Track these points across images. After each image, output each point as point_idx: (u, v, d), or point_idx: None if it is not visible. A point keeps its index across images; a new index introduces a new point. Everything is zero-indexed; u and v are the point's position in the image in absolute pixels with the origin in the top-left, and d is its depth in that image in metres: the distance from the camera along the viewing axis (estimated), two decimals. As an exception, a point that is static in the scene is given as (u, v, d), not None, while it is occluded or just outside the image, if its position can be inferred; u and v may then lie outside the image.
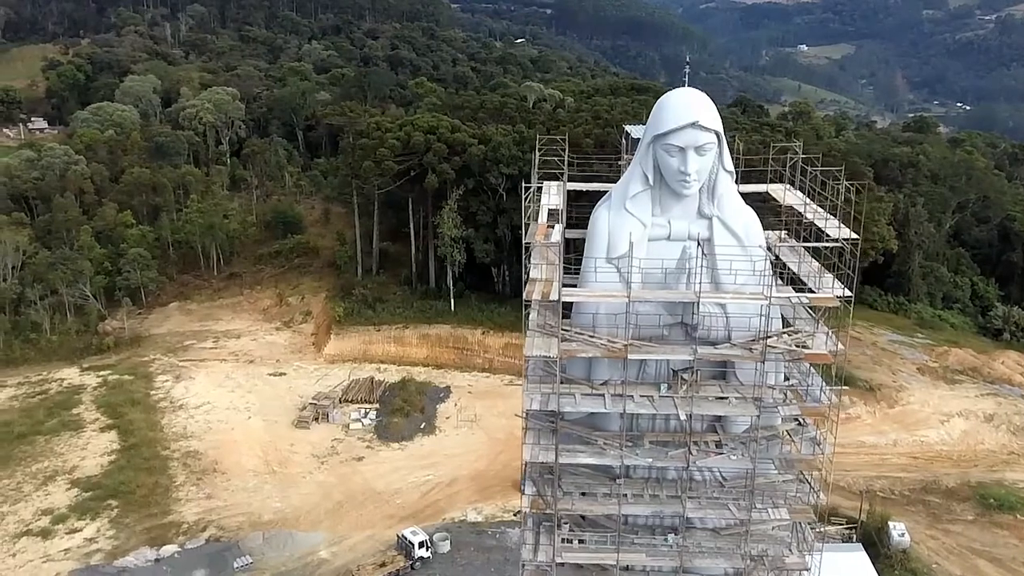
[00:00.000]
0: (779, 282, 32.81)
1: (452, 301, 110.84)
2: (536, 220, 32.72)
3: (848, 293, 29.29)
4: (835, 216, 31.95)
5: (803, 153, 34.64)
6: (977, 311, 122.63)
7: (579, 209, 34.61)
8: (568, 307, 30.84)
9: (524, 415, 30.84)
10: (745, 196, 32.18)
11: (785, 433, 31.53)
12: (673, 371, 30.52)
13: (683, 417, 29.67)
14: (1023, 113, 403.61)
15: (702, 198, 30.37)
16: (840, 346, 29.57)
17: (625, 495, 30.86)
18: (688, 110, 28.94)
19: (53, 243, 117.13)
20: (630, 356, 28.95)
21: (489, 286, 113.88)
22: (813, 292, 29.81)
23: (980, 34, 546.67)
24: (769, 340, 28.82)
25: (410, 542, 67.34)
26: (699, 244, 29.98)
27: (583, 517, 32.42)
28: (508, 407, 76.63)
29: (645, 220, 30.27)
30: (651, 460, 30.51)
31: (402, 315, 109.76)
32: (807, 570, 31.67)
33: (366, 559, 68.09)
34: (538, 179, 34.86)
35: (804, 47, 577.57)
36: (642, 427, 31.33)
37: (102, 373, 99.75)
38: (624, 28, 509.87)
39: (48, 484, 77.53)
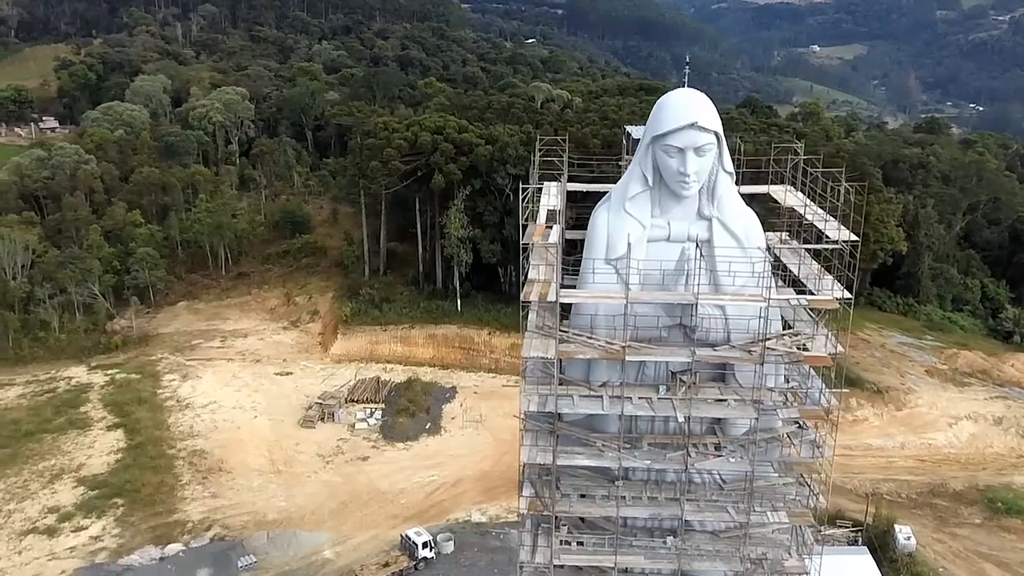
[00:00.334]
0: (780, 284, 32.61)
1: (459, 301, 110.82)
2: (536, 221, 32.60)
3: (848, 295, 29.04)
4: (835, 217, 31.70)
5: (810, 154, 34.40)
6: (987, 313, 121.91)
7: (583, 210, 34.44)
8: (568, 308, 30.71)
9: (522, 416, 30.72)
10: (748, 197, 31.97)
11: (785, 436, 31.28)
12: (672, 373, 30.31)
13: (681, 419, 29.46)
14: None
15: (702, 199, 30.13)
16: (840, 348, 29.31)
17: (624, 497, 30.67)
18: (687, 111, 28.72)
19: (62, 242, 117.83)
20: (628, 358, 28.77)
21: (496, 286, 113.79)
22: (813, 294, 29.58)
23: (994, 35, 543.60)
24: (768, 342, 28.60)
25: (414, 542, 67.35)
26: (697, 246, 29.75)
27: (582, 519, 32.24)
28: (514, 408, 75.77)
29: (644, 221, 30.07)
30: (650, 462, 30.30)
31: (409, 315, 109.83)
32: (806, 574, 31.40)
33: (370, 559, 68.14)
34: (540, 179, 34.73)
35: (816, 47, 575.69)
36: (641, 429, 31.15)
37: (110, 372, 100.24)
38: (636, 28, 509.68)
39: (55, 482, 77.91)
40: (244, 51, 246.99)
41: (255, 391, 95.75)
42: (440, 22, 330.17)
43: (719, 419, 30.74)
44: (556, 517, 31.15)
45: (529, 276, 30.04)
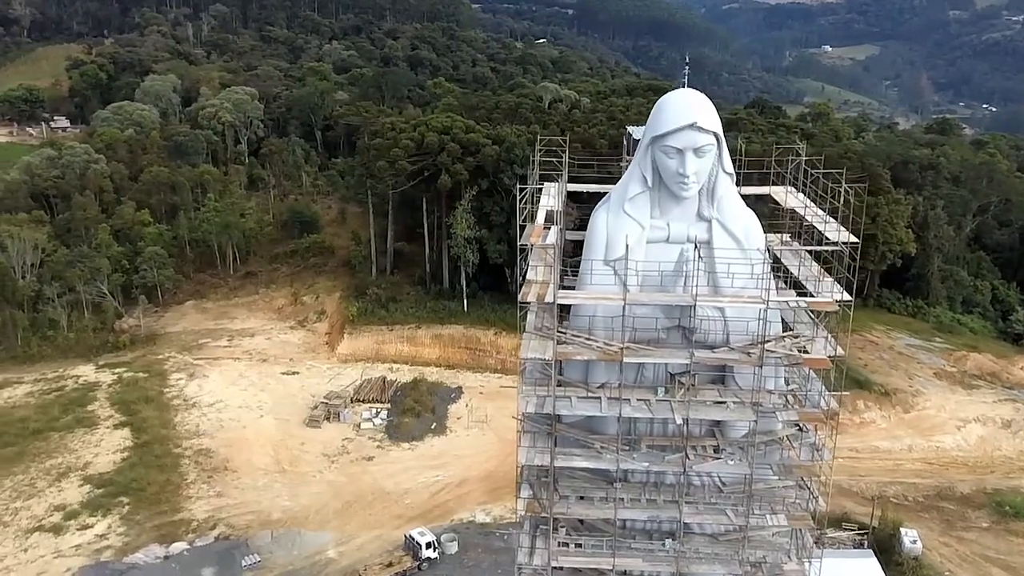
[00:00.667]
0: (781, 286, 32.41)
1: (465, 301, 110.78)
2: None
3: (848, 297, 28.83)
4: (836, 219, 31.48)
5: (818, 155, 34.16)
6: (997, 315, 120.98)
7: (587, 210, 34.30)
8: (567, 309, 30.59)
9: (520, 417, 30.62)
10: (752, 198, 31.78)
11: (784, 438, 31.08)
12: (671, 375, 30.18)
13: (680, 421, 29.33)
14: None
15: (701, 200, 30.00)
16: (840, 351, 29.10)
17: (622, 499, 30.55)
18: (687, 111, 28.58)
19: (72, 241, 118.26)
20: (626, 359, 28.65)
21: (502, 287, 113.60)
22: (813, 296, 29.38)
23: (1007, 35, 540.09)
24: (768, 344, 28.43)
25: (417, 543, 67.26)
26: (697, 247, 29.58)
27: (580, 521, 32.13)
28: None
29: (643, 222, 29.96)
30: (648, 464, 30.18)
31: (415, 315, 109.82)
32: (806, 577, 31.25)
33: (373, 559, 68.08)
34: (542, 180, 34.60)
35: (828, 48, 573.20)
36: (639, 431, 31.02)
37: (117, 370, 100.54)
38: (646, 28, 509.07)
39: (61, 480, 78.15)
40: (254, 51, 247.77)
41: (261, 390, 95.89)
42: (450, 22, 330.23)
43: (718, 421, 30.59)
44: (554, 519, 31.03)
45: (527, 277, 29.95)
